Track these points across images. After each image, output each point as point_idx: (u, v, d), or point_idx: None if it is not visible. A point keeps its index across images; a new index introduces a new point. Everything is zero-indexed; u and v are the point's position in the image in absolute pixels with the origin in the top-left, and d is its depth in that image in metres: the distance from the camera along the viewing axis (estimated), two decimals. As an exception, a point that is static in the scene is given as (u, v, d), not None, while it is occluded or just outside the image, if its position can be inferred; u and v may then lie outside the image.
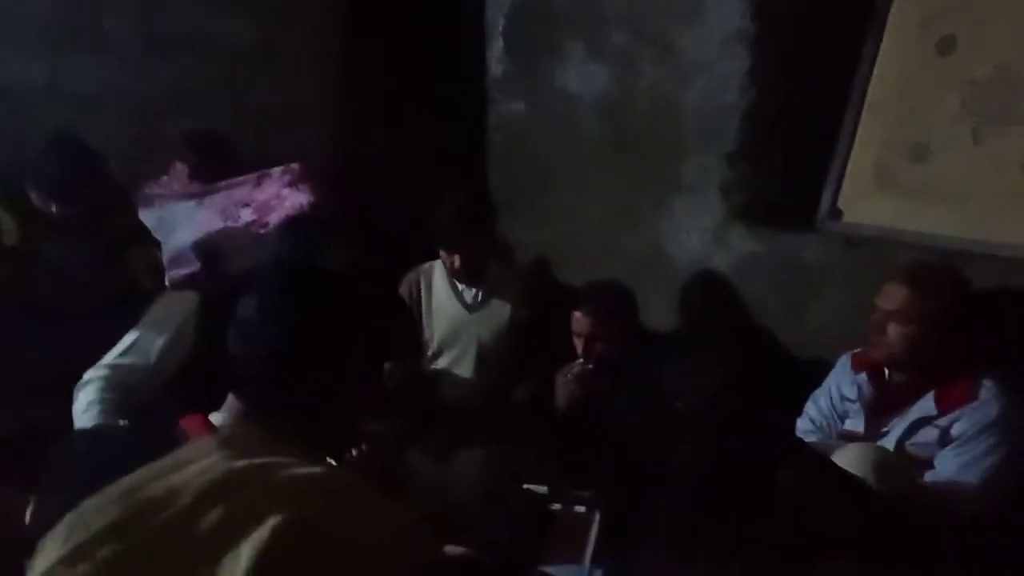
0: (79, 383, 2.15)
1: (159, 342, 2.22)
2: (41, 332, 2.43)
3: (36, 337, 2.42)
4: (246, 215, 2.94)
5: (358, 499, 1.13)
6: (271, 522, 0.99)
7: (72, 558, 0.99)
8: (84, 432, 1.22)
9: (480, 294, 2.82)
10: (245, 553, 0.97)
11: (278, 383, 1.20)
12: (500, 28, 3.39)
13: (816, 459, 1.58)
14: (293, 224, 2.54)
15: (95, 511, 1.02)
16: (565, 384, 2.50)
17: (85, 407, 2.10)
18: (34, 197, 2.66)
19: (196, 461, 1.06)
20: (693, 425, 1.22)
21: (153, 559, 0.99)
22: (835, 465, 1.61)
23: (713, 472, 1.09)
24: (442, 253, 2.76)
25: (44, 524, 1.04)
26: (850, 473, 1.59)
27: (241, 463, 1.06)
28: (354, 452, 2.11)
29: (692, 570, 1.04)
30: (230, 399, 1.22)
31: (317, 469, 1.09)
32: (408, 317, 1.27)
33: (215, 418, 1.22)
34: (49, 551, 1.01)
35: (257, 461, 1.07)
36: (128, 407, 2.13)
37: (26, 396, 2.24)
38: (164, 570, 0.99)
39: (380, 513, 1.14)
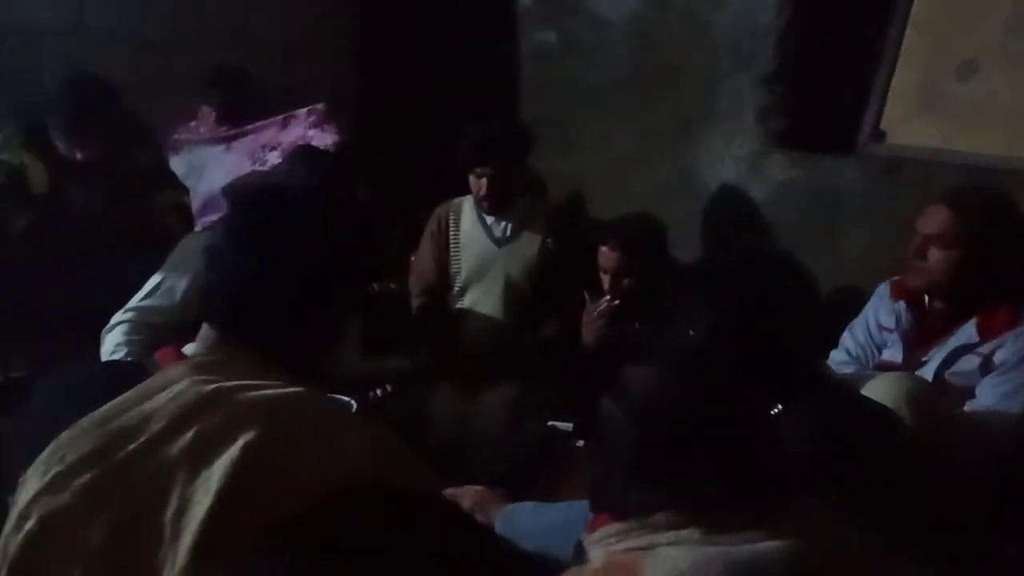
0: (106, 327, 2.17)
1: (183, 283, 2.23)
2: (69, 276, 2.46)
3: (64, 281, 2.45)
4: (273, 158, 2.94)
5: (328, 417, 1.12)
6: (242, 440, 0.99)
7: (50, 489, 1.00)
8: (62, 370, 1.24)
9: (509, 227, 2.75)
10: (217, 471, 0.98)
11: (244, 307, 1.18)
12: (530, -46, 3.30)
13: (837, 389, 1.53)
14: (301, 153, 2.53)
15: (70, 443, 1.03)
16: (591, 321, 2.45)
17: (112, 349, 2.12)
18: (59, 145, 2.67)
19: (168, 388, 1.07)
20: (699, 356, 1.16)
21: (128, 485, 1.00)
22: (857, 395, 1.55)
23: (704, 402, 1.04)
24: (471, 179, 2.69)
25: (25, 459, 1.05)
26: (874, 403, 1.53)
27: (211, 387, 1.06)
28: (379, 392, 2.11)
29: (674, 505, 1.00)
30: (203, 328, 1.21)
31: (288, 390, 1.09)
32: (381, 245, 1.23)
33: (188, 349, 1.21)
34: (30, 484, 1.02)
35: (228, 384, 1.07)
36: (155, 348, 2.15)
37: (53, 338, 2.27)
38: (139, 494, 1.00)
39: (351, 431, 1.14)
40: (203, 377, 1.08)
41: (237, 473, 0.98)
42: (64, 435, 1.04)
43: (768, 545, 0.95)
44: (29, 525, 1.00)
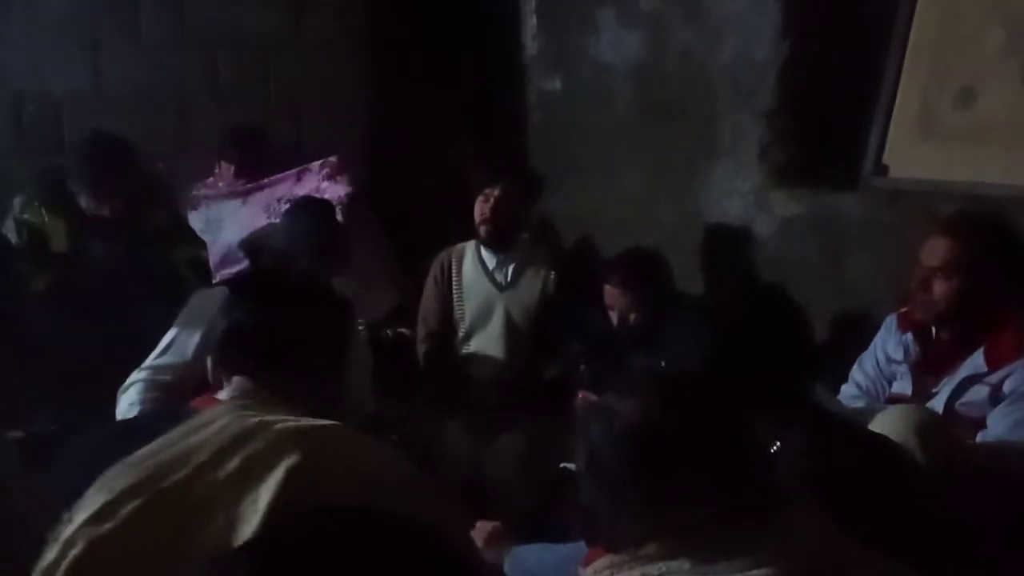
0: (122, 386, 2.20)
1: (194, 338, 2.25)
2: (89, 331, 2.51)
3: (84, 336, 2.50)
4: (287, 211, 3.01)
5: (363, 446, 1.24)
6: (285, 463, 1.07)
7: (97, 517, 1.06)
8: (99, 424, 1.44)
9: (510, 271, 2.79)
10: (264, 492, 1.06)
11: (267, 359, 1.35)
12: (533, 5, 3.39)
13: (836, 421, 1.53)
14: (300, 206, 2.61)
15: (117, 477, 1.10)
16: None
17: (127, 409, 2.14)
18: (83, 200, 2.73)
19: (211, 423, 1.16)
20: (678, 385, 1.19)
21: (174, 510, 1.07)
22: (856, 425, 1.55)
23: (685, 428, 1.06)
24: (477, 204, 2.75)
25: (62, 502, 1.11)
26: (874, 434, 1.53)
27: (253, 420, 1.16)
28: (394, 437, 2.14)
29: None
30: (235, 380, 1.34)
31: (324, 422, 1.20)
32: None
33: (223, 395, 1.33)
34: (76, 517, 1.07)
35: (268, 417, 1.17)
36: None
37: (74, 393, 2.32)
38: (185, 519, 1.06)
39: (383, 458, 1.26)
40: (244, 412, 1.19)
41: (282, 494, 1.05)
42: (110, 471, 1.11)
43: (757, 573, 0.96)
44: (75, 552, 1.05)
